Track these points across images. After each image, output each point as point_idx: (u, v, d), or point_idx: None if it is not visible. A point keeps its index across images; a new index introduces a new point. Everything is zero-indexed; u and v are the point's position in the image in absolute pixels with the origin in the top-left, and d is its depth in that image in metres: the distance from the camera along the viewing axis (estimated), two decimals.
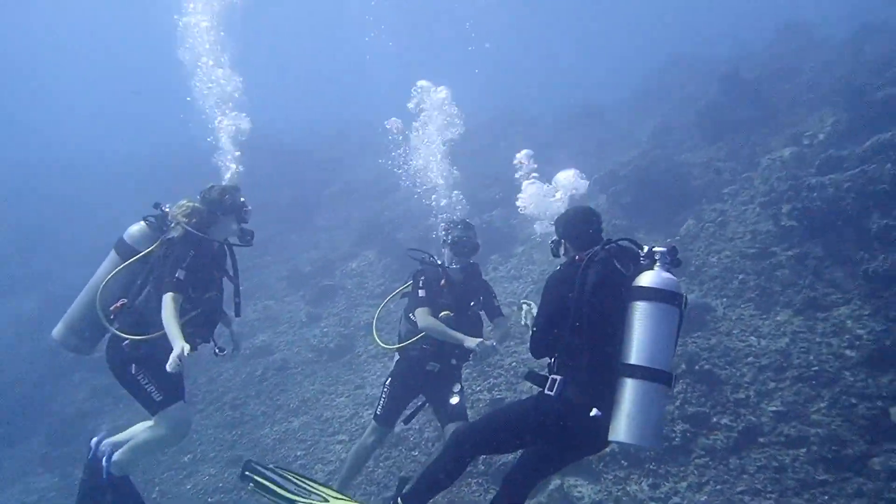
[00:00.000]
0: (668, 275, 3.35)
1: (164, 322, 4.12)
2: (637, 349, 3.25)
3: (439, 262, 5.52)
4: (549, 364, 3.67)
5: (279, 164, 20.03)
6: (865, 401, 5.64)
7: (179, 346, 3.95)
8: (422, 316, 5.19)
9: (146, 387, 4.38)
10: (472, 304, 5.43)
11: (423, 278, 5.37)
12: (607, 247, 3.56)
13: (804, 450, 5.51)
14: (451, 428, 5.14)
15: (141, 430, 4.59)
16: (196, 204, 4.59)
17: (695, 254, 8.99)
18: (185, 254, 4.35)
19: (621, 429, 3.24)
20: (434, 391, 5.42)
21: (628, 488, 5.80)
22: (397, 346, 5.51)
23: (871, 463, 5.15)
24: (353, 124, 26.48)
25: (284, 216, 18.01)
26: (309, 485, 4.60)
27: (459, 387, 5.32)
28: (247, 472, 4.58)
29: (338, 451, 7.99)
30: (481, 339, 4.98)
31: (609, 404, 3.31)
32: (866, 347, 6.12)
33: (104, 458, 4.59)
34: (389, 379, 5.52)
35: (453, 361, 5.33)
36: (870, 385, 5.78)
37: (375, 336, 5.70)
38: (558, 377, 3.49)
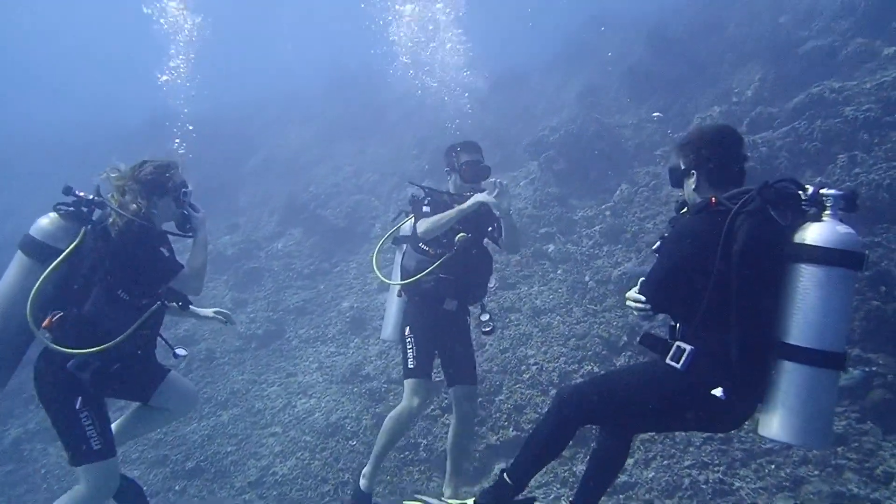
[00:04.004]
0: (843, 228, 2.58)
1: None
2: (802, 326, 2.56)
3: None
4: (673, 328, 3.02)
5: (190, 141, 18.88)
6: None
7: None
8: (421, 225, 4.52)
9: (87, 429, 3.46)
10: (489, 228, 4.81)
11: (428, 199, 4.71)
12: (764, 193, 2.71)
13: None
14: (458, 391, 4.71)
15: None
16: (132, 186, 3.73)
17: (630, 220, 8.84)
18: (152, 248, 3.66)
19: (779, 424, 2.62)
20: (447, 339, 4.75)
21: (575, 468, 5.63)
22: (410, 279, 4.71)
23: None
24: (269, 96, 25.34)
25: (200, 196, 16.94)
26: None
27: (488, 316, 4.78)
28: None
29: (271, 445, 7.63)
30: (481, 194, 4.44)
31: (755, 389, 2.73)
32: None
33: None
34: (409, 328, 4.73)
35: (470, 299, 4.79)
36: None
37: (377, 272, 4.99)
38: (688, 347, 2.84)
